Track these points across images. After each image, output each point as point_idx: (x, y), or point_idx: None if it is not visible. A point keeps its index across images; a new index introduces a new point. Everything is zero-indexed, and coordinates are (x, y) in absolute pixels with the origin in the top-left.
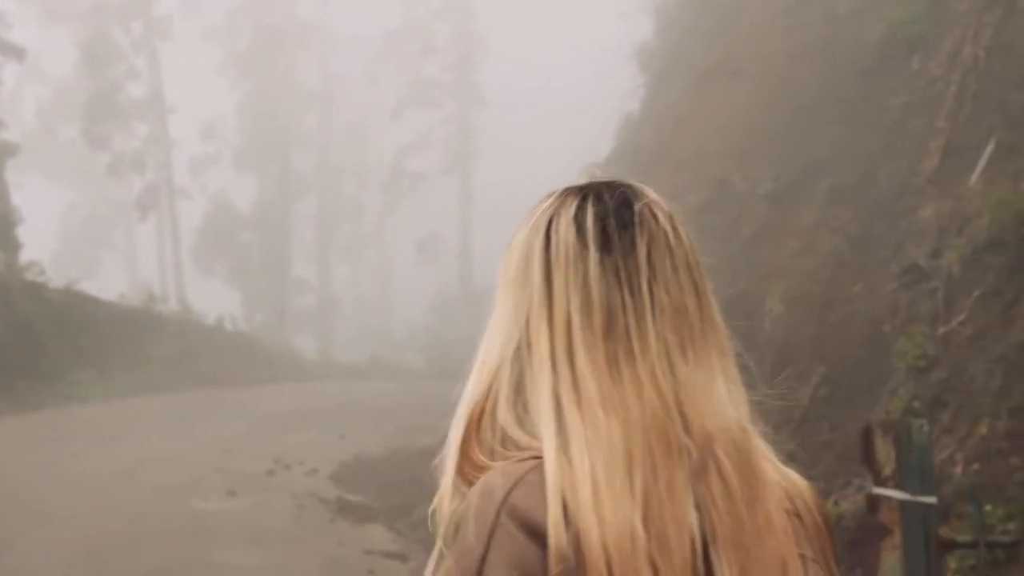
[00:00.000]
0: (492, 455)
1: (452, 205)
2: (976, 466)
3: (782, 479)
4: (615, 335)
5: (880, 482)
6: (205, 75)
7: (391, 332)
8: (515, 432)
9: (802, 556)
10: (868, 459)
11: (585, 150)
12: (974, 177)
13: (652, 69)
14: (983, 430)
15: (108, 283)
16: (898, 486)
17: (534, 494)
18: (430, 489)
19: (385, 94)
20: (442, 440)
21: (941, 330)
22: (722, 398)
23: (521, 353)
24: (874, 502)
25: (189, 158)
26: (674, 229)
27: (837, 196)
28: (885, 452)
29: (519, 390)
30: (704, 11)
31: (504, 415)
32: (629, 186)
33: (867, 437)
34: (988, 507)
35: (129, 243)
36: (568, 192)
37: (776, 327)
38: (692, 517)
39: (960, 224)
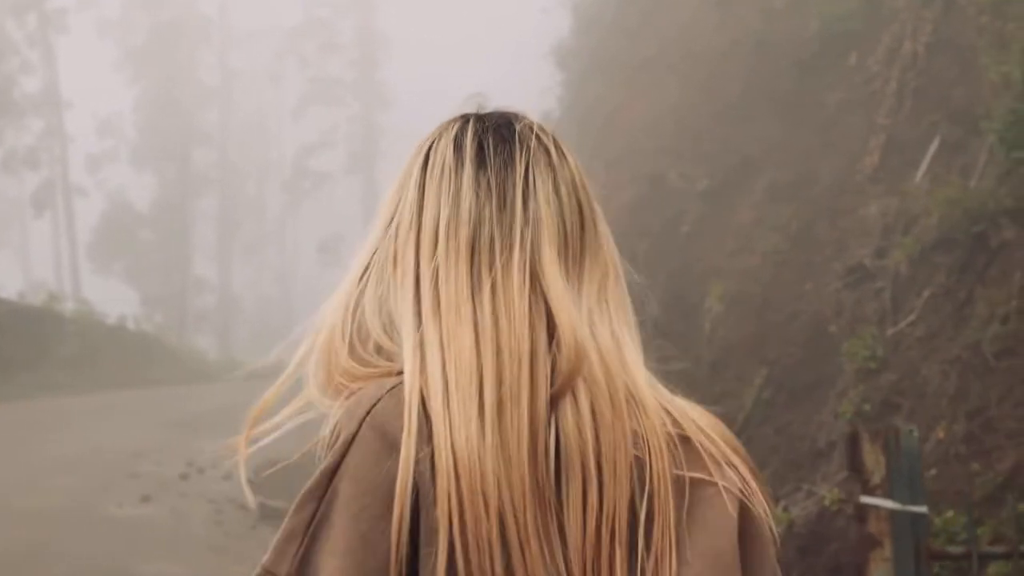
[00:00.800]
0: (365, 364)
1: (355, 206)
2: (934, 471)
3: (666, 403)
4: (480, 248)
5: (868, 491)
6: (102, 70)
7: (292, 333)
8: (385, 342)
9: (688, 478)
10: (855, 467)
11: None
12: (919, 174)
13: (571, 66)
14: (940, 434)
15: (3, 282)
16: (887, 495)
17: (396, 406)
18: None
19: (287, 92)
20: None
21: (890, 331)
22: (594, 316)
23: (387, 264)
24: (862, 512)
25: (86, 155)
26: (558, 149)
27: (775, 194)
28: (873, 459)
29: (384, 300)
30: (625, 7)
31: (372, 323)
32: (512, 112)
33: (854, 443)
34: (949, 514)
35: (24, 241)
36: (453, 119)
37: (715, 327)
38: (542, 433)
39: (906, 223)
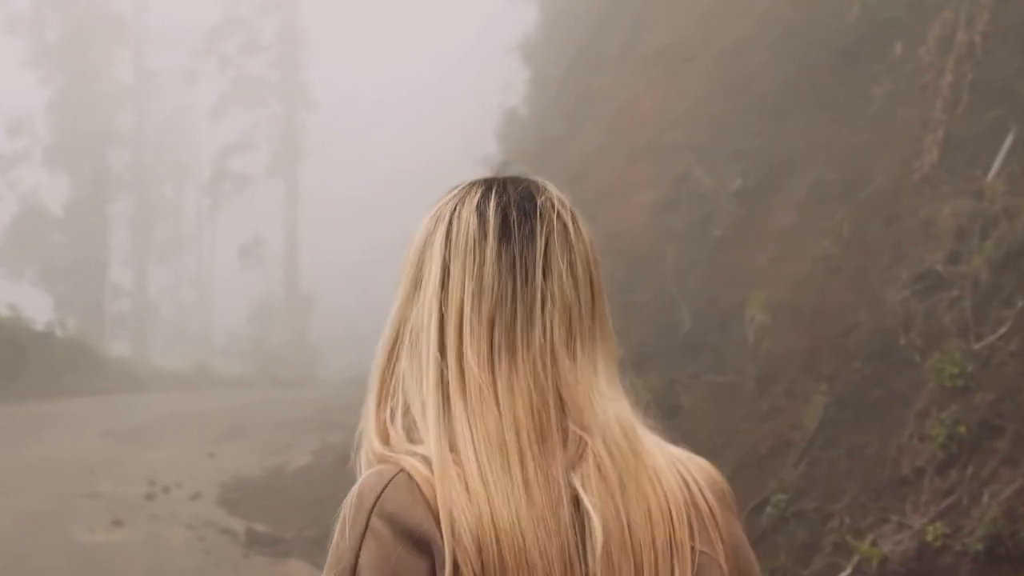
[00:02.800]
0: (387, 444)
1: (277, 209)
2: None
3: (678, 465)
4: (503, 325)
5: None
6: (12, 68)
7: (211, 339)
8: (414, 417)
9: (692, 548)
10: None
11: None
12: (991, 173)
13: (538, 60)
14: None
15: None
16: None
17: (404, 494)
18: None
19: (206, 92)
20: (319, 459)
21: (976, 345)
22: (606, 394)
23: (412, 339)
24: None
25: None
26: (575, 225)
27: (821, 194)
28: None
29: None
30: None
31: (410, 397)
32: (533, 181)
33: None
34: None
35: None
36: (474, 183)
37: (761, 338)
38: (574, 501)
39: (983, 225)
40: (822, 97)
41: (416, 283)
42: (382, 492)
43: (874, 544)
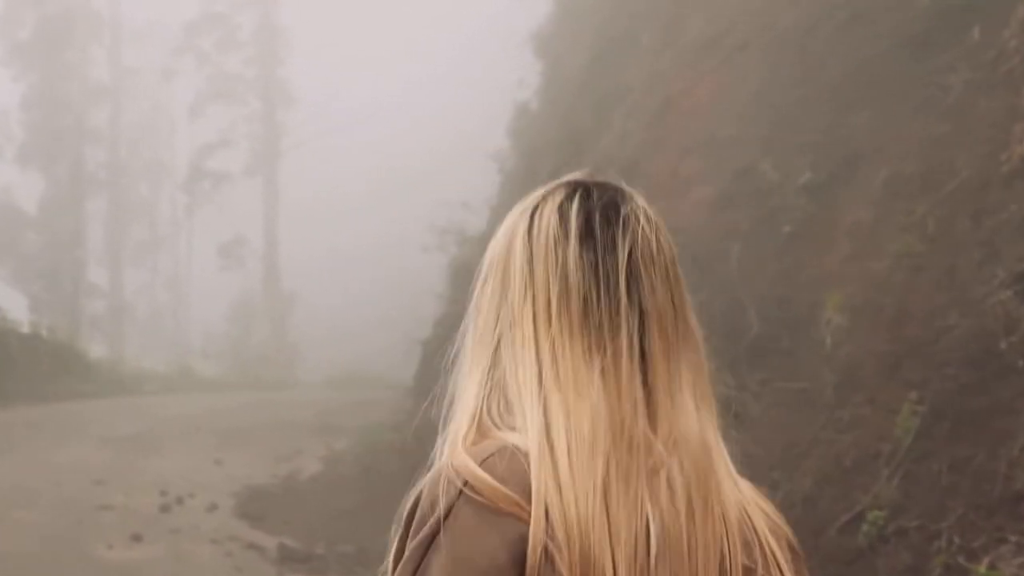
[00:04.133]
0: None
1: (257, 207)
2: None
3: (744, 498)
4: (589, 327)
5: None
6: None
7: (189, 340)
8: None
9: (748, 568)
10: None
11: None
12: None
13: (552, 51)
14: None
15: None
16: None
17: (497, 473)
18: (371, 527)
19: (184, 90)
20: (330, 467)
21: None
22: (688, 410)
23: (502, 335)
24: None
25: None
26: (658, 239)
27: (899, 188)
28: None
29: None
30: None
31: (510, 390)
32: (620, 189)
33: None
34: None
35: None
36: (559, 184)
37: (839, 342)
38: (646, 512)
39: None
40: (892, 87)
41: (504, 280)
42: (474, 469)
43: (993, 567)
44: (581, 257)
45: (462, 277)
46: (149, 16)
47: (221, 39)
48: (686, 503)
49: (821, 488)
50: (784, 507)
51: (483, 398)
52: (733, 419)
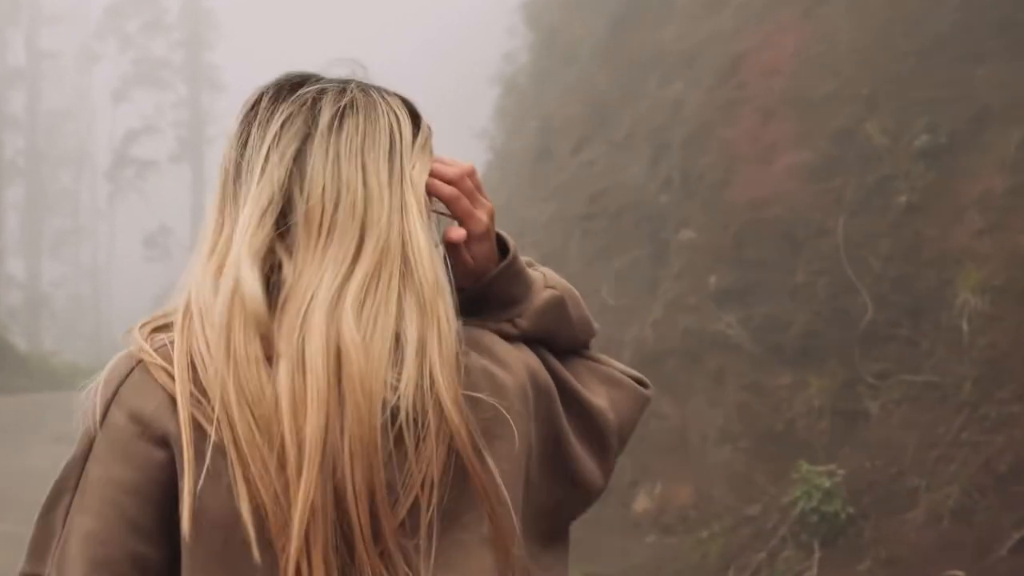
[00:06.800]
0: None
1: (184, 197)
2: None
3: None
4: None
5: None
6: None
7: (112, 333)
8: None
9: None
10: None
11: None
12: None
13: (542, 23)
14: None
15: None
16: None
17: (147, 380)
18: None
19: (107, 74)
20: None
21: None
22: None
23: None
24: None
25: None
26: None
27: None
28: None
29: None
30: None
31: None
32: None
33: None
34: None
35: None
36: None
37: (978, 329)
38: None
39: None
40: (1017, 39)
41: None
42: (127, 375)
43: None
44: (279, 120)
45: None
46: None
47: (147, 22)
48: (321, 372)
49: (972, 498)
50: (931, 520)
51: None
52: (848, 417)
